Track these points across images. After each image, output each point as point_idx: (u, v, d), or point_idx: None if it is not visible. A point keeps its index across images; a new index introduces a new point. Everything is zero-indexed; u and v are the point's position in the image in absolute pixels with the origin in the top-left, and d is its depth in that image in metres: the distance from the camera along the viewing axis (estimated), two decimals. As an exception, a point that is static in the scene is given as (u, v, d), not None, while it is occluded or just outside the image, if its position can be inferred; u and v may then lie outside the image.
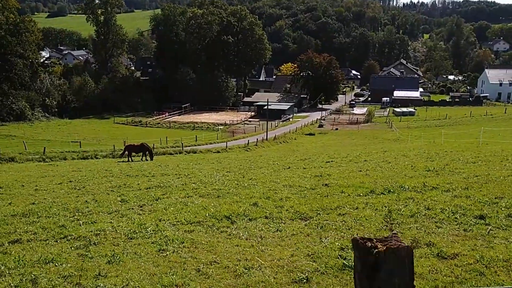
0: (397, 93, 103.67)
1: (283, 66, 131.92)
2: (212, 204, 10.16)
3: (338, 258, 6.13)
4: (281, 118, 79.19)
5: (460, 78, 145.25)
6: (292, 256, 6.40)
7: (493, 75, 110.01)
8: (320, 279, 5.48)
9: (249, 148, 43.34)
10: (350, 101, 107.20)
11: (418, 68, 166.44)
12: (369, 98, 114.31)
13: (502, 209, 8.03)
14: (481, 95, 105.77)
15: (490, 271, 5.40)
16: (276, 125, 70.36)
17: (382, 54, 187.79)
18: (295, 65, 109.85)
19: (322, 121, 76.06)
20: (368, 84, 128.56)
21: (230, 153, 38.87)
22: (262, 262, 6.15)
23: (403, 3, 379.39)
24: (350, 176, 14.54)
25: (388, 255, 1.46)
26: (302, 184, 12.91)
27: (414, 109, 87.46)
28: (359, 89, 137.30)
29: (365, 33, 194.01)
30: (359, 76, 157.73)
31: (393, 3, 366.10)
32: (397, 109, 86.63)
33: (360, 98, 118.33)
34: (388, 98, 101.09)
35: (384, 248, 1.49)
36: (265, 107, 65.80)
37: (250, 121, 79.27)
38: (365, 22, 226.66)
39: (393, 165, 17.49)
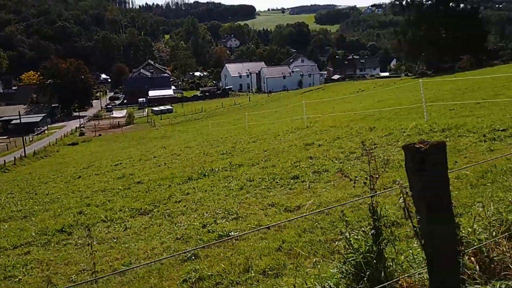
0: (152, 93, 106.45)
1: (24, 75, 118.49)
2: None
3: (207, 232, 6.61)
4: (34, 131, 71.41)
5: (205, 73, 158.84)
6: (162, 244, 6.56)
7: (233, 69, 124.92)
8: (204, 253, 5.87)
9: (7, 169, 37.92)
10: (106, 105, 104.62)
11: (166, 68, 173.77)
12: (125, 101, 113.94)
13: (305, 169, 9.85)
14: (226, 87, 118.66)
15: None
16: (31, 139, 63.16)
17: (128, 56, 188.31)
18: (39, 73, 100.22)
19: (82, 129, 72.08)
20: (121, 87, 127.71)
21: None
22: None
23: (139, 5, 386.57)
24: (155, 171, 14.88)
25: (430, 150, 2.15)
26: (114, 186, 12.61)
27: (171, 106, 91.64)
28: (113, 93, 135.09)
29: (108, 36, 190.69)
30: (109, 80, 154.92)
31: (129, 5, 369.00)
32: (155, 108, 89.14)
33: (116, 102, 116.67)
34: (144, 99, 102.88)
35: (427, 146, 2.18)
36: (13, 122, 58.21)
37: (-6, 140, 68.72)
38: (106, 25, 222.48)
39: (186, 155, 18.52)
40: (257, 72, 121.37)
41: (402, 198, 2.29)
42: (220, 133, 29.65)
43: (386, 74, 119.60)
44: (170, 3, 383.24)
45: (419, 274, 2.73)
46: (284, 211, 6.90)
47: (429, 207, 2.13)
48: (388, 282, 2.64)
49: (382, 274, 2.74)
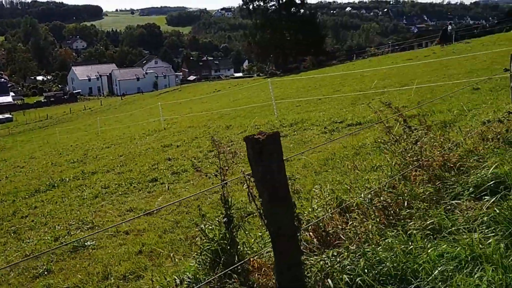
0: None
1: None
2: None
3: (60, 245, 6.18)
4: None
5: (49, 77, 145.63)
6: (8, 263, 5.94)
7: (80, 72, 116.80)
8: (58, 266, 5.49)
9: None
10: None
11: (2, 73, 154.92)
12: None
13: (164, 171, 9.79)
14: (75, 91, 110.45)
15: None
16: None
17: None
18: None
19: None
20: None
21: None
22: None
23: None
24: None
25: (267, 141, 2.36)
26: None
27: (11, 114, 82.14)
28: None
29: None
30: None
31: None
32: (-7, 117, 79.04)
33: None
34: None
35: (264, 136, 2.38)
36: None
37: None
38: None
39: (31, 167, 16.88)
40: (108, 74, 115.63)
41: (246, 184, 2.51)
42: (69, 141, 27.61)
43: (240, 74, 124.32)
44: (4, 2, 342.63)
45: (267, 252, 3.00)
46: (144, 215, 6.80)
47: (269, 191, 2.37)
48: (239, 263, 2.85)
49: (236, 258, 2.94)
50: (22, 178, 14.05)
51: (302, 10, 64.94)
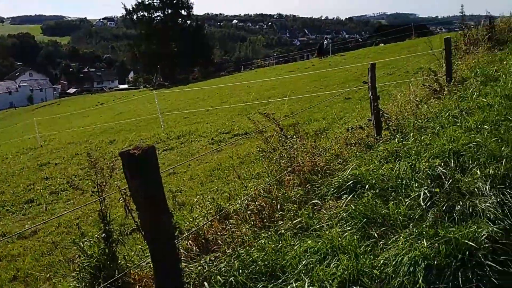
0: None
1: None
2: None
3: None
4: None
5: None
6: None
7: None
8: None
9: None
10: None
11: None
12: None
13: (41, 191, 9.17)
14: None
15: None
16: None
17: None
18: None
19: None
20: None
21: None
22: None
23: None
24: None
25: (143, 155, 2.42)
26: None
27: None
28: None
29: None
30: None
31: None
32: None
33: None
34: None
35: (140, 151, 2.43)
36: None
37: None
38: None
39: None
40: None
41: (122, 198, 2.55)
42: None
43: (125, 86, 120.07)
44: None
45: (147, 264, 3.06)
46: (18, 239, 6.33)
47: (146, 204, 2.44)
48: (119, 275, 2.87)
49: (116, 272, 2.94)
50: None
51: (189, 21, 65.02)
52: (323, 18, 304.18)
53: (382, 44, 36.79)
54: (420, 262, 2.57)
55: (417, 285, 2.48)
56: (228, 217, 3.71)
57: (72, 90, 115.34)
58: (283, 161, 4.67)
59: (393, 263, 2.62)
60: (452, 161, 4.21)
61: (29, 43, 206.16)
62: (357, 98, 12.71)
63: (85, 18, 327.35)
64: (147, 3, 61.34)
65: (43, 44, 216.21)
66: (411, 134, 5.17)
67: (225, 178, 7.26)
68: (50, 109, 60.55)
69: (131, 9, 61.93)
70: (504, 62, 10.10)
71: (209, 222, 3.51)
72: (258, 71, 42.82)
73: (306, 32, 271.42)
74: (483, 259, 2.65)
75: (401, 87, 10.20)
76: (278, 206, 3.74)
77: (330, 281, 2.58)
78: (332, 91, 15.21)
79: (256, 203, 3.71)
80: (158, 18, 62.92)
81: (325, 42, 36.82)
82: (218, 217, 3.62)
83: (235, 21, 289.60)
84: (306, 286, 2.58)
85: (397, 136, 5.31)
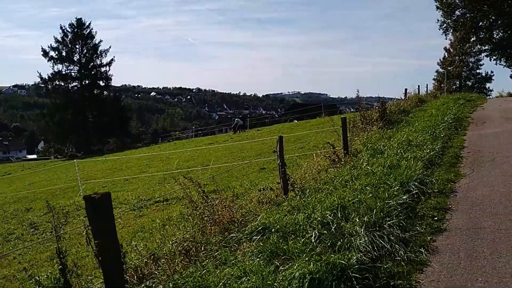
0: None
1: None
2: None
3: None
4: None
5: None
6: None
7: None
8: None
9: None
10: None
11: None
12: None
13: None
14: None
15: None
16: None
17: None
18: None
19: None
20: None
21: None
22: None
23: None
24: None
25: (101, 199, 3.18)
26: None
27: None
28: None
29: None
30: None
31: None
32: None
33: None
34: None
35: (99, 196, 3.16)
36: None
37: None
38: None
39: None
40: None
41: (85, 231, 3.22)
42: None
43: (34, 156, 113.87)
44: None
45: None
46: None
47: (102, 236, 3.17)
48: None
49: (71, 299, 3.52)
50: None
51: (106, 92, 64.94)
52: (241, 94, 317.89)
53: (296, 121, 40.05)
54: (307, 276, 3.55)
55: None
56: (159, 257, 4.44)
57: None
58: (205, 216, 5.55)
59: (288, 278, 3.57)
60: (339, 212, 5.39)
61: None
62: (271, 168, 14.03)
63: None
64: (64, 72, 60.67)
65: None
66: (310, 194, 6.35)
67: (149, 238, 7.86)
68: None
69: (47, 78, 60.69)
70: (391, 139, 12.13)
71: (145, 260, 4.22)
72: (176, 143, 43.59)
73: (225, 106, 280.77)
74: (352, 274, 3.70)
75: (309, 159, 11.73)
76: (202, 248, 4.57)
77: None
78: (248, 161, 16.50)
79: (184, 244, 4.50)
80: (75, 88, 62.22)
81: (239, 121, 39.62)
82: (152, 257, 4.35)
83: (153, 93, 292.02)
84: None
85: (299, 195, 6.48)
